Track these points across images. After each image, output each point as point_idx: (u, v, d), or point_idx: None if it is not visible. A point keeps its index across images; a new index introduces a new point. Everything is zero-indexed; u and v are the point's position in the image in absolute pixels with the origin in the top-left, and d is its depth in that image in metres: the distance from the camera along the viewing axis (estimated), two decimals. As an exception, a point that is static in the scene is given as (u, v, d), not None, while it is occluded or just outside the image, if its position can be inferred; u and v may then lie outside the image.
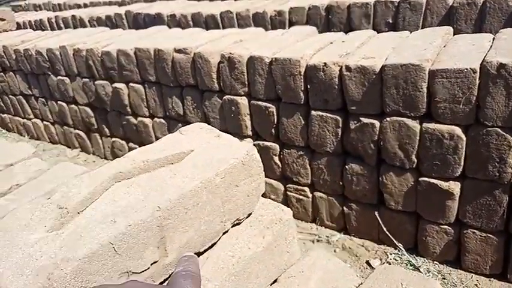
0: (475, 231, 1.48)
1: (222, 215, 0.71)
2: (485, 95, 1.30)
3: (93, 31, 3.11)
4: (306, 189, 1.88)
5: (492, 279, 1.51)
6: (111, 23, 4.08)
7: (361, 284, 0.77)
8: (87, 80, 2.64)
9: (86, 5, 5.33)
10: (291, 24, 3.02)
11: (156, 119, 2.38)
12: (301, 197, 1.91)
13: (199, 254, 0.69)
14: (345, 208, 1.79)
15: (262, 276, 0.76)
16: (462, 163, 1.41)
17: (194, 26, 3.52)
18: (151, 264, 0.60)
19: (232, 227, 0.75)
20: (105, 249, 0.56)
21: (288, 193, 1.94)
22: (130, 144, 2.64)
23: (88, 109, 2.79)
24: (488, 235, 1.46)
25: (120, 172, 0.68)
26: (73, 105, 2.89)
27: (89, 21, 4.24)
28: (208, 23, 3.44)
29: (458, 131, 1.38)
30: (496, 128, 1.31)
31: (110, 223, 0.58)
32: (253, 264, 0.73)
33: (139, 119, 2.45)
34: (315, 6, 2.89)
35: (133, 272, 0.58)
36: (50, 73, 2.87)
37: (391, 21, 2.61)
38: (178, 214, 0.63)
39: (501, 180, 1.35)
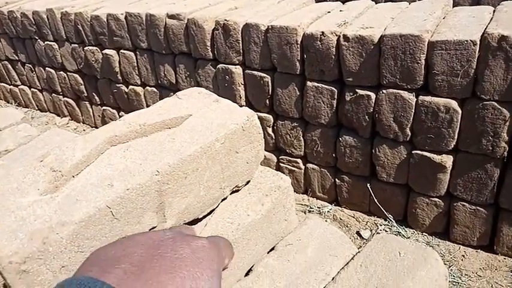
0: (464, 204, 1.50)
1: (222, 181, 0.69)
2: (484, 68, 1.29)
3: (81, -6, 2.98)
4: (299, 160, 1.88)
5: (479, 250, 1.55)
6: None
7: (359, 252, 0.78)
8: (76, 45, 2.55)
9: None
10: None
11: (147, 87, 2.33)
12: (293, 168, 1.91)
13: (197, 220, 0.68)
14: (337, 180, 1.80)
15: (261, 243, 0.76)
16: (456, 137, 1.41)
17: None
18: (150, 230, 0.59)
19: (231, 193, 0.74)
20: (102, 213, 0.55)
21: (281, 164, 1.94)
22: (122, 113, 2.59)
23: (77, 76, 2.72)
24: (478, 208, 1.48)
25: (115, 135, 0.66)
26: (62, 72, 2.81)
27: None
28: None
29: (454, 104, 1.37)
30: (493, 102, 1.31)
31: (107, 187, 0.56)
32: (252, 232, 0.72)
33: (131, 87, 2.40)
34: (311, -26, 2.80)
35: None
36: (37, 37, 2.77)
37: (389, -8, 2.55)
38: (177, 179, 0.61)
39: (494, 154, 1.36)
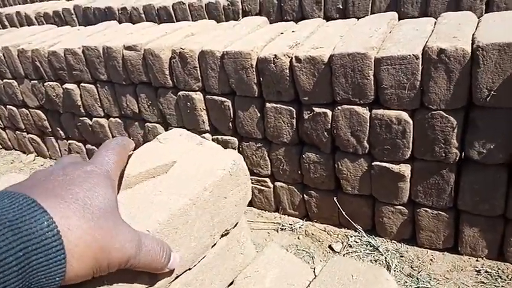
0: (427, 209, 1.55)
1: (212, 228, 0.69)
2: (428, 80, 1.35)
3: (38, 29, 2.96)
4: (267, 179, 1.91)
5: (445, 253, 1.60)
6: (60, 19, 3.89)
7: (315, 278, 0.80)
8: (35, 81, 2.52)
9: (32, 0, 5.05)
10: (244, 13, 3.00)
11: (111, 118, 2.31)
12: (262, 187, 1.93)
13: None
14: (305, 196, 1.83)
15: (217, 281, 0.77)
16: (411, 146, 1.47)
17: (146, 18, 3.42)
18: None
19: (220, 238, 0.74)
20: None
21: (251, 185, 1.95)
22: (88, 145, 2.56)
23: (40, 112, 2.67)
24: (439, 212, 1.54)
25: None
26: (23, 109, 2.76)
27: (35, 17, 4.02)
28: (160, 15, 3.35)
29: (405, 115, 1.43)
30: (440, 111, 1.37)
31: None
32: (205, 272, 0.73)
33: (94, 119, 2.38)
34: (267, -6, 2.88)
35: None
36: (-6, 77, 2.71)
37: (341, 7, 2.65)
38: (168, 235, 0.59)
39: (447, 160, 1.42)
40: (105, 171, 0.42)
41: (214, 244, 0.73)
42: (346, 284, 0.76)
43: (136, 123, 2.21)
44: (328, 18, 2.74)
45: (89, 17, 3.80)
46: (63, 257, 0.33)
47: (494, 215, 1.43)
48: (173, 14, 3.28)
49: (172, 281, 0.64)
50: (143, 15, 3.46)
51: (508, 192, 1.38)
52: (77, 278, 0.35)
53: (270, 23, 2.89)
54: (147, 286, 0.57)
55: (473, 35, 1.35)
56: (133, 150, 0.72)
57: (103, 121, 2.35)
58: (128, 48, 2.01)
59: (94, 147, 2.52)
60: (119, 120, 2.28)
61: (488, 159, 1.35)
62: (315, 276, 0.81)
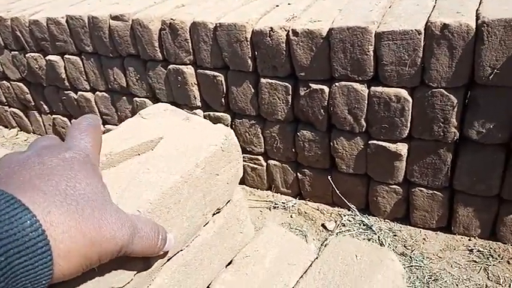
0: (422, 189, 1.54)
1: (204, 207, 0.65)
2: (430, 57, 1.31)
3: (18, -3, 2.79)
4: (260, 158, 1.87)
5: (438, 232, 1.60)
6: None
7: (317, 258, 0.77)
8: (16, 52, 2.39)
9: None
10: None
11: (98, 92, 2.22)
12: (255, 166, 1.89)
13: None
14: (298, 174, 1.80)
15: (216, 260, 0.73)
16: (409, 125, 1.44)
17: (133, -12, 3.27)
18: (135, 275, 0.53)
19: (212, 216, 0.70)
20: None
21: (243, 163, 1.91)
22: (73, 120, 2.47)
23: (22, 85, 2.55)
24: (435, 192, 1.53)
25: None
26: (4, 81, 2.63)
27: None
28: (148, -15, 3.20)
29: (404, 93, 1.39)
30: (441, 89, 1.34)
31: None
32: (204, 251, 0.69)
33: (80, 93, 2.28)
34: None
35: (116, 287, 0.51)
36: (-29, 46, 2.57)
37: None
38: (160, 215, 0.55)
39: (445, 139, 1.40)
40: (85, 156, 0.39)
41: (206, 223, 0.69)
42: (350, 264, 0.73)
43: (124, 97, 2.13)
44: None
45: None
46: (50, 259, 0.29)
47: (490, 195, 1.43)
48: (162, -15, 3.14)
49: (165, 263, 0.60)
50: (130, -14, 3.31)
51: (504, 172, 1.37)
52: (64, 277, 0.32)
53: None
54: (140, 270, 0.53)
55: (477, 10, 1.30)
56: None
57: (89, 95, 2.26)
58: (115, 18, 1.91)
59: (80, 122, 2.44)
60: (106, 95, 2.19)
61: (487, 139, 1.33)
62: (317, 256, 0.78)
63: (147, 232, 0.41)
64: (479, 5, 1.35)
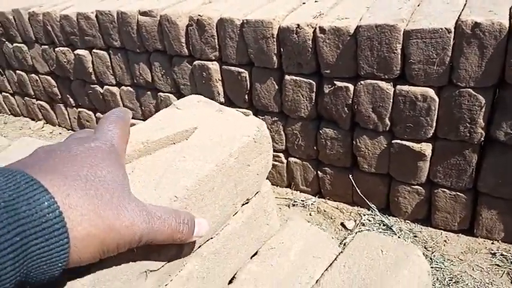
0: (445, 190, 1.52)
1: (235, 197, 0.66)
2: (459, 56, 1.29)
3: (48, -8, 2.88)
4: (281, 155, 1.88)
5: (460, 234, 1.57)
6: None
7: (342, 252, 0.77)
8: (46, 46, 2.47)
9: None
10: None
11: (123, 87, 2.27)
12: (276, 162, 1.90)
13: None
14: (319, 172, 1.80)
15: (243, 250, 0.75)
16: (434, 125, 1.42)
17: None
18: (168, 260, 0.55)
19: (241, 207, 0.72)
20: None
21: (264, 159, 1.93)
22: (98, 114, 2.53)
23: (50, 78, 2.63)
24: (458, 193, 1.51)
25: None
26: (33, 75, 2.72)
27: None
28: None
29: (431, 92, 1.38)
30: (469, 89, 1.32)
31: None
32: (233, 240, 0.71)
33: (106, 87, 2.34)
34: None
35: (150, 270, 0.53)
36: (4, 40, 2.66)
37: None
38: (195, 202, 0.57)
39: (471, 140, 1.38)
40: (110, 145, 0.40)
41: (236, 213, 0.71)
42: (376, 259, 0.74)
43: (149, 92, 2.17)
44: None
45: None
46: (67, 241, 0.29)
47: (516, 198, 1.40)
48: (187, -18, 3.18)
49: (196, 250, 0.62)
50: (156, -17, 3.36)
51: (532, 175, 1.34)
52: (81, 261, 0.32)
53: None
54: (173, 255, 0.55)
55: (510, 9, 1.28)
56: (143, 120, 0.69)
57: (114, 89, 2.31)
58: (143, 13, 1.94)
59: (105, 115, 2.49)
60: (131, 89, 2.24)
61: (515, 140, 1.31)
62: (342, 250, 0.79)
63: (167, 219, 0.41)
64: (512, 4, 1.33)
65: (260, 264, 0.77)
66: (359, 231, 1.65)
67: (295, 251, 0.79)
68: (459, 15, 1.31)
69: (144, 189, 0.55)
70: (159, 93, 2.12)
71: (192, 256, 0.63)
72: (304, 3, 1.78)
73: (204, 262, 0.65)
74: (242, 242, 0.74)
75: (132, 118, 2.33)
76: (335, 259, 0.76)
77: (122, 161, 0.41)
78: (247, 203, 0.73)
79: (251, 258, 0.79)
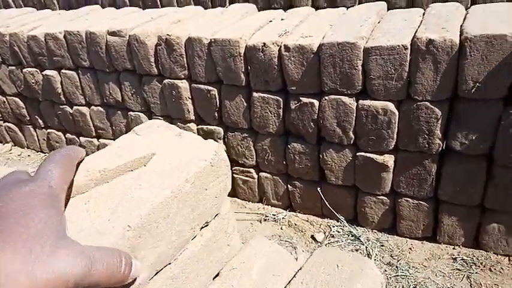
0: (408, 199, 1.58)
1: (192, 221, 0.67)
2: (416, 71, 1.36)
3: (16, 12, 2.85)
4: (252, 170, 1.90)
5: (424, 241, 1.63)
6: (39, 1, 3.75)
7: (301, 268, 0.80)
8: (13, 67, 2.43)
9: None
10: (231, 0, 2.95)
11: (93, 107, 2.26)
12: (247, 178, 1.93)
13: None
14: (289, 186, 1.83)
15: (203, 273, 0.76)
16: (395, 137, 1.48)
17: (130, 4, 3.33)
18: None
19: (200, 230, 0.73)
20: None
21: (234, 175, 1.95)
22: (68, 135, 2.50)
23: (18, 99, 2.59)
24: (420, 202, 1.56)
25: (72, 186, 0.61)
26: (0, 96, 2.67)
27: (13, 0, 3.87)
28: (145, 0, 3.26)
29: (391, 106, 1.44)
30: (426, 102, 1.38)
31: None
32: (191, 264, 0.72)
33: (75, 107, 2.32)
34: (254, -20, 2.83)
35: None
36: (-31, 61, 2.61)
37: (330, -5, 2.62)
38: (149, 230, 0.57)
39: (430, 150, 1.44)
40: (47, 187, 0.39)
41: (194, 237, 0.72)
42: (332, 274, 0.76)
43: (119, 112, 2.17)
44: (316, 7, 2.72)
45: (70, 1, 3.68)
46: None
47: (473, 204, 1.47)
48: (158, 0, 3.21)
49: (152, 277, 0.63)
50: (127, 0, 3.37)
51: (486, 182, 1.41)
52: None
53: (258, 11, 2.87)
54: None
55: (461, 26, 1.35)
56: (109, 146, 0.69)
57: (84, 109, 2.29)
58: (112, 33, 1.95)
59: (74, 136, 2.47)
60: (101, 109, 2.23)
61: (470, 150, 1.38)
62: (302, 266, 0.82)
63: (108, 260, 0.40)
64: (464, 21, 1.41)
65: (221, 285, 0.78)
66: (328, 243, 1.69)
67: (256, 270, 0.81)
68: (415, 32, 1.38)
69: (98, 220, 0.56)
70: (129, 113, 2.12)
71: (149, 284, 0.64)
72: (271, 21, 1.83)
73: (161, 288, 0.66)
74: (202, 265, 0.75)
75: (102, 138, 2.29)
76: (294, 276, 0.79)
77: (59, 204, 0.40)
78: (206, 225, 0.75)
79: (213, 279, 0.81)
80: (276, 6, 2.79)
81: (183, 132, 0.76)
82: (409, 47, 1.34)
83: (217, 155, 0.69)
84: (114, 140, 2.30)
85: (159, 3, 3.20)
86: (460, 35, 1.29)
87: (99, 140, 2.38)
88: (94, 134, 2.38)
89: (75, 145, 2.49)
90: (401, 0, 2.44)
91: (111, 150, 0.68)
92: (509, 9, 1.46)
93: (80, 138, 2.45)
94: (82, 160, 0.60)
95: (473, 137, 1.35)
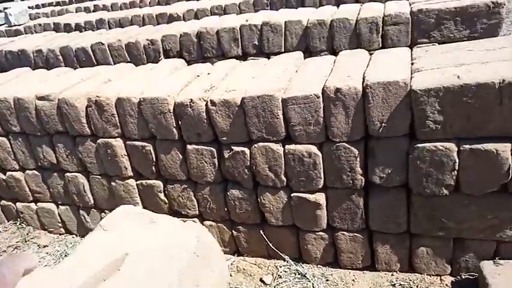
0: (344, 232, 1.67)
1: None
2: (330, 116, 1.48)
3: None
4: (196, 220, 1.92)
5: (365, 271, 1.71)
6: (-34, 64, 3.64)
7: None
8: None
9: None
10: (165, 52, 3.04)
11: (27, 171, 2.20)
12: (191, 228, 1.94)
13: None
14: (234, 232, 1.87)
15: None
16: (322, 176, 1.58)
17: (64, 61, 3.33)
18: None
19: None
20: None
21: (179, 227, 1.96)
22: (3, 202, 2.39)
23: None
24: (355, 234, 1.66)
25: None
26: None
27: None
28: (79, 56, 3.28)
29: (314, 149, 1.55)
30: (343, 143, 1.50)
31: None
32: None
33: (9, 173, 2.24)
34: (186, 33, 2.95)
35: None
36: None
37: (257, 43, 2.79)
38: None
39: (355, 186, 1.55)
40: None
41: None
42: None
43: (55, 174, 2.12)
44: (245, 53, 2.88)
45: (0, 61, 3.61)
46: None
47: (401, 231, 1.58)
48: (92, 55, 3.23)
49: None
50: (60, 57, 3.36)
51: (408, 210, 1.53)
52: None
53: (191, 60, 2.98)
54: None
55: (364, 73, 1.51)
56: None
57: (18, 174, 2.22)
58: (41, 98, 1.95)
59: (10, 203, 2.37)
60: (36, 172, 2.18)
61: (388, 182, 1.50)
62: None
63: None
64: (367, 68, 1.57)
65: None
66: (277, 285, 1.72)
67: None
68: (326, 81, 1.51)
69: None
70: (66, 174, 2.09)
71: None
72: (198, 76, 1.92)
73: None
74: None
75: (40, 201, 2.21)
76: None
77: None
78: None
79: None
80: (209, 55, 2.92)
81: (156, 217, 0.70)
82: (320, 95, 1.46)
83: (201, 242, 0.62)
84: (52, 202, 2.23)
85: (93, 59, 3.23)
86: (363, 82, 1.44)
87: (37, 204, 2.30)
88: (31, 199, 2.30)
89: (13, 211, 2.38)
90: (321, 45, 2.64)
91: (78, 258, 0.62)
92: (407, 54, 1.65)
93: (17, 204, 2.35)
94: (32, 270, 0.52)
95: (389, 171, 1.48)
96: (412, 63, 1.54)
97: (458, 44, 1.71)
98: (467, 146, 1.34)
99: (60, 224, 2.29)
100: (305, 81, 1.59)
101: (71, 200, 2.16)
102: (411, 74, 1.43)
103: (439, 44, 2.47)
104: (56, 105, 1.92)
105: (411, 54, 1.65)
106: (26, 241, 2.29)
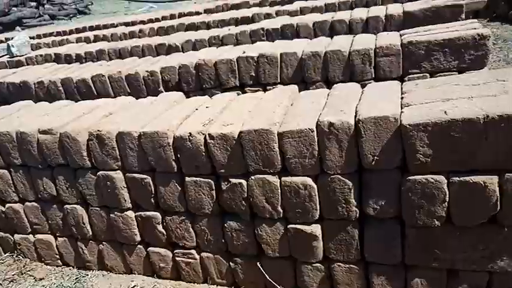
0: (340, 264, 1.69)
1: None
2: (324, 149, 1.53)
3: None
4: (193, 251, 1.94)
5: (362, 302, 1.72)
6: (-32, 96, 3.71)
7: None
8: None
9: None
10: (164, 83, 3.13)
11: (27, 203, 2.22)
12: (189, 260, 1.95)
13: None
14: (231, 263, 1.88)
15: None
16: (318, 208, 1.62)
17: (65, 92, 3.41)
18: None
19: None
20: None
21: (177, 258, 1.97)
22: (0, 233, 2.40)
23: None
24: (351, 265, 1.68)
25: None
26: None
27: None
28: (79, 88, 3.36)
29: (309, 181, 1.59)
30: (337, 175, 1.55)
31: None
32: None
33: (8, 205, 2.26)
34: (184, 65, 3.05)
35: None
36: None
37: (254, 75, 2.88)
38: None
39: (350, 217, 1.59)
40: None
41: None
42: None
43: (55, 205, 2.15)
44: (242, 84, 2.97)
45: (2, 93, 3.69)
46: None
47: (396, 262, 1.60)
48: (93, 87, 3.31)
49: None
50: (61, 89, 3.44)
51: (402, 241, 1.56)
52: None
53: (190, 91, 3.06)
54: None
55: (356, 107, 1.57)
56: None
57: (18, 206, 2.24)
58: (43, 132, 2.00)
59: (8, 234, 2.38)
60: (36, 204, 2.20)
61: (383, 214, 1.54)
62: None
63: None
64: (359, 102, 1.63)
65: None
66: (274, 316, 1.72)
67: None
68: (319, 115, 1.57)
69: None
70: (65, 206, 2.11)
71: None
72: (197, 109, 1.98)
73: None
74: None
75: (38, 233, 2.23)
76: None
77: None
78: None
79: None
80: (207, 86, 3.00)
81: None
82: (315, 129, 1.52)
83: None
84: (51, 234, 2.24)
85: (93, 90, 3.31)
86: (355, 116, 1.50)
87: (35, 236, 2.31)
88: (29, 230, 2.31)
89: (10, 243, 2.39)
90: (316, 75, 2.73)
91: None
92: (397, 88, 1.72)
93: (14, 235, 2.36)
94: None
95: (383, 203, 1.52)
96: (402, 98, 1.60)
97: (446, 78, 1.79)
98: (456, 179, 1.39)
99: (57, 256, 2.30)
100: (300, 116, 1.65)
101: (69, 232, 2.17)
102: (401, 108, 1.49)
103: (429, 73, 2.57)
104: (57, 139, 1.97)
105: (401, 88, 1.72)
106: (22, 273, 2.28)
